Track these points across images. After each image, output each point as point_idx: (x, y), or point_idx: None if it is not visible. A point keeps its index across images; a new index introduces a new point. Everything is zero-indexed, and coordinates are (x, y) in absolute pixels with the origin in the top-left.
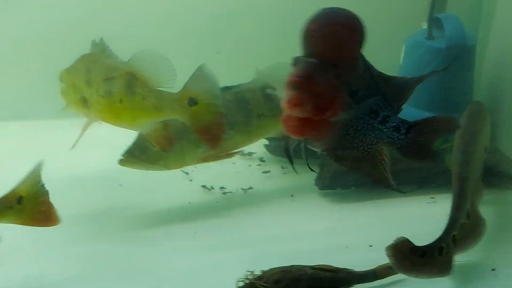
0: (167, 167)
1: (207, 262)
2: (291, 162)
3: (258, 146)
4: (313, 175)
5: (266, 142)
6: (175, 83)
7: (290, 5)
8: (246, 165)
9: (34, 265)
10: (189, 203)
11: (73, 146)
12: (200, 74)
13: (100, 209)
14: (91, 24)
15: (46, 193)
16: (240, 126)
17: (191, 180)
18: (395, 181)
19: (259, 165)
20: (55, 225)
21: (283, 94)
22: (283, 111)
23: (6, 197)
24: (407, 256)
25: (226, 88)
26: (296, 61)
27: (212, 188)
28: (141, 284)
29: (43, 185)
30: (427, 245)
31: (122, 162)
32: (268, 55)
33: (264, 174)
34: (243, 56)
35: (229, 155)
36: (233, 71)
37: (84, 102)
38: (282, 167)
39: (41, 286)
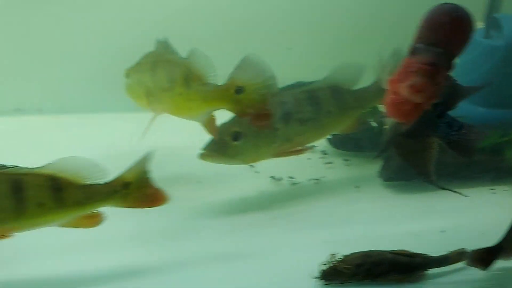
0: (244, 161)
1: (286, 246)
2: (385, 149)
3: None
4: (375, 168)
5: (329, 135)
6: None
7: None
8: (306, 158)
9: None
10: (261, 192)
11: (142, 138)
12: (244, 64)
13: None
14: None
15: (148, 178)
16: (311, 122)
17: (257, 172)
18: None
19: (321, 157)
20: (163, 204)
21: (396, 80)
22: (392, 96)
23: (112, 182)
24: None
25: (299, 85)
26: (417, 49)
27: (281, 179)
28: (231, 268)
29: (148, 173)
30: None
31: (202, 156)
32: (341, 53)
33: (327, 165)
34: (315, 53)
35: (300, 152)
36: (304, 67)
37: (149, 97)
38: (345, 160)
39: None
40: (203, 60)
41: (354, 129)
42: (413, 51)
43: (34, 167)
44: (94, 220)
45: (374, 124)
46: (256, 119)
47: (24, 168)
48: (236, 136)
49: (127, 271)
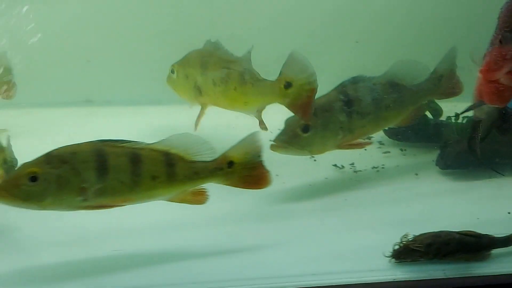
0: (312, 152)
1: (357, 227)
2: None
3: None
4: (431, 157)
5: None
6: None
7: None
8: (364, 148)
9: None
10: (326, 178)
11: (195, 129)
12: (291, 60)
13: None
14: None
15: (260, 161)
16: (371, 116)
17: (315, 160)
18: None
19: (378, 147)
20: (265, 187)
21: (490, 69)
22: (490, 84)
23: (218, 160)
24: None
25: (361, 79)
26: (506, 38)
27: (343, 166)
28: (310, 247)
29: (259, 155)
30: None
31: (273, 147)
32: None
33: (385, 155)
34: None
35: (362, 145)
36: (369, 62)
37: (197, 91)
38: (401, 150)
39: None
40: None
41: (409, 122)
42: (503, 40)
43: (150, 142)
44: (200, 197)
45: (429, 116)
46: (301, 111)
47: (141, 143)
48: (306, 128)
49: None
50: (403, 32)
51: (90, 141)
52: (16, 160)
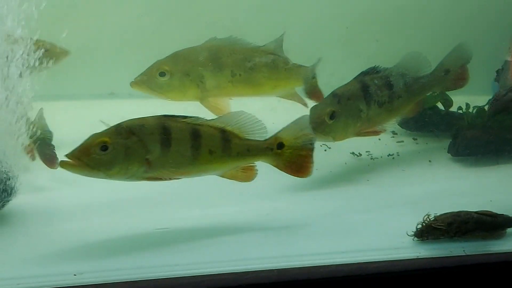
0: (335, 138)
1: (380, 208)
2: None
3: None
4: (442, 145)
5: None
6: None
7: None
8: (377, 138)
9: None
10: (345, 163)
11: None
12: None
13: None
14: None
15: (310, 149)
16: (386, 105)
17: (329, 148)
18: None
19: (392, 137)
20: (306, 177)
21: None
22: None
23: (269, 140)
24: None
25: (376, 71)
26: None
27: (360, 154)
28: (338, 223)
29: (311, 143)
30: None
31: None
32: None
33: (398, 144)
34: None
35: (377, 133)
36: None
37: (201, 85)
38: (413, 139)
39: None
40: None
41: (415, 112)
42: None
43: (208, 119)
44: (250, 173)
45: (440, 107)
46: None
47: (201, 118)
48: (332, 115)
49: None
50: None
51: (156, 115)
52: (51, 133)
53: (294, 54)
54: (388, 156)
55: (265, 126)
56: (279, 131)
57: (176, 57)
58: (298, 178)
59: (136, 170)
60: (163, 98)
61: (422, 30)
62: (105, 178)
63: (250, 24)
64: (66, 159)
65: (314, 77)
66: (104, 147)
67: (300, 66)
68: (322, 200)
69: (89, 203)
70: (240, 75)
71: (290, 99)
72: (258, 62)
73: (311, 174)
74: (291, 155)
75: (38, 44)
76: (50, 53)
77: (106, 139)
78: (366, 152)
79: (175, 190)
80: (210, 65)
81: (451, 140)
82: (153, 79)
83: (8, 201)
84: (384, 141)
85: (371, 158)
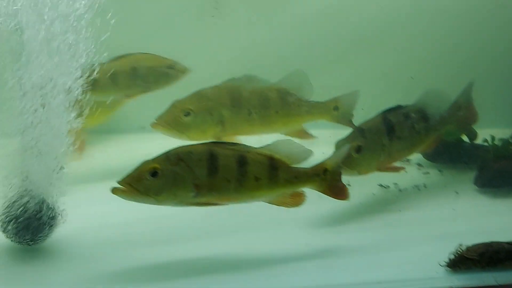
0: (360, 172)
1: (410, 239)
2: None
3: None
4: (468, 177)
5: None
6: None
7: None
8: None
9: None
10: (373, 194)
11: None
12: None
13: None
14: None
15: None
16: (407, 141)
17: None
18: None
19: (418, 169)
20: (346, 200)
21: None
22: None
23: (316, 167)
24: None
25: (399, 108)
26: None
27: (388, 186)
28: (371, 259)
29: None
30: None
31: None
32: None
33: (425, 175)
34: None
35: (398, 169)
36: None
37: (221, 124)
38: (439, 171)
39: None
40: (298, 81)
41: (432, 148)
42: None
43: (256, 146)
44: (298, 199)
45: (465, 140)
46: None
47: (248, 146)
48: (358, 149)
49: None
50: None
51: (204, 142)
52: None
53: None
54: (415, 187)
55: (312, 153)
56: (325, 159)
57: (199, 97)
58: (338, 201)
59: (184, 196)
60: (183, 138)
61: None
62: (154, 204)
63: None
64: (118, 185)
65: (336, 109)
66: (154, 173)
67: (314, 102)
68: (356, 231)
69: (131, 232)
70: (256, 113)
71: (297, 136)
72: (271, 100)
73: (348, 198)
74: (332, 180)
75: (162, 61)
76: (173, 69)
77: (156, 165)
78: (394, 184)
79: (214, 218)
80: (230, 104)
81: (476, 172)
82: (177, 119)
83: (54, 230)
84: (410, 173)
85: (399, 190)
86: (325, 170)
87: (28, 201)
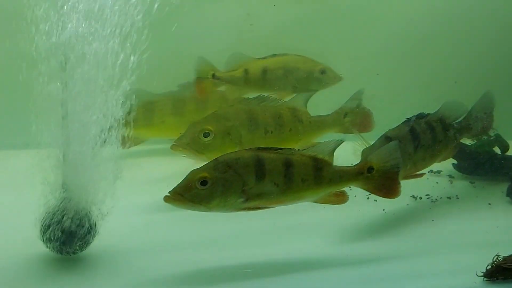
0: None
1: (447, 248)
2: None
3: (444, 165)
4: (500, 188)
5: (454, 161)
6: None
7: None
8: (435, 182)
9: None
10: (407, 205)
11: None
12: (353, 98)
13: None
14: None
15: (397, 172)
16: (430, 149)
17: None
18: None
19: (449, 181)
20: (395, 197)
21: None
22: None
23: (360, 165)
24: None
25: (422, 116)
26: None
27: (420, 197)
28: (408, 266)
29: (397, 166)
30: None
31: None
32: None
33: (456, 187)
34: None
35: (420, 176)
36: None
37: (239, 144)
38: (471, 182)
39: None
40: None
41: (450, 157)
42: None
43: (300, 149)
44: (341, 198)
45: (497, 151)
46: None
47: (292, 149)
48: None
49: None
50: None
51: (250, 148)
52: None
53: None
54: (447, 198)
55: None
56: (369, 156)
57: (217, 117)
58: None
59: (234, 202)
60: (202, 159)
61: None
62: (205, 211)
63: None
64: (169, 195)
65: (346, 115)
66: (204, 182)
67: (323, 116)
68: (391, 242)
69: (167, 240)
70: (271, 132)
71: None
72: (284, 118)
73: (399, 195)
74: (380, 178)
75: (316, 65)
76: (325, 75)
77: (206, 174)
78: (426, 195)
79: (246, 227)
80: (248, 124)
81: (509, 183)
82: (197, 140)
83: (91, 242)
84: (442, 184)
85: (432, 201)
86: (371, 168)
87: (68, 212)
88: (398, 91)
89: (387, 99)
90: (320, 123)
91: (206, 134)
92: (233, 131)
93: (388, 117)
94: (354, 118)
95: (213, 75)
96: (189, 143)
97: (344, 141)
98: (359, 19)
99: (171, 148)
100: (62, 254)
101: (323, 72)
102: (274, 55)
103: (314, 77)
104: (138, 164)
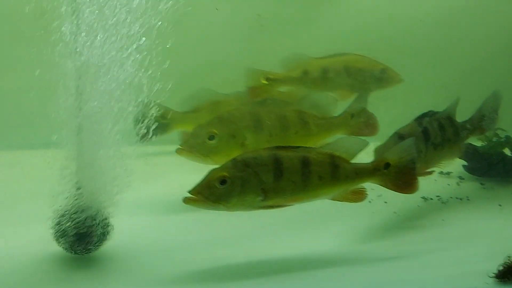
0: None
1: (456, 249)
2: None
3: (454, 167)
4: (510, 190)
5: (464, 163)
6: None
7: None
8: (445, 183)
9: None
10: (418, 206)
11: None
12: (358, 99)
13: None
14: None
15: (413, 167)
16: (439, 147)
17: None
18: None
19: (459, 182)
20: (412, 193)
21: None
22: None
23: (376, 162)
24: None
25: (432, 114)
26: None
27: (431, 199)
28: (420, 261)
29: (413, 162)
30: None
31: None
32: None
33: (466, 188)
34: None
35: (429, 173)
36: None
37: (243, 147)
38: (481, 184)
39: None
40: (315, 101)
41: (457, 156)
42: None
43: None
44: (359, 195)
45: (508, 152)
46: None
47: (309, 147)
48: None
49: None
50: None
51: (268, 147)
52: None
53: None
54: (458, 199)
55: (368, 143)
56: (385, 153)
57: (221, 120)
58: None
59: (253, 200)
60: (208, 162)
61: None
62: (224, 210)
63: None
64: (189, 195)
65: (353, 116)
66: (223, 181)
67: (330, 117)
68: (402, 243)
69: (179, 239)
70: (276, 135)
71: None
72: (290, 121)
73: (417, 190)
74: (397, 174)
75: (376, 65)
76: (385, 75)
77: (225, 173)
78: (436, 196)
79: (258, 226)
80: (252, 126)
81: None
82: (202, 143)
83: (104, 242)
84: (452, 186)
85: (442, 202)
86: (387, 164)
87: (82, 212)
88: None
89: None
90: (327, 125)
91: (211, 137)
92: (238, 134)
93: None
94: (361, 119)
95: (268, 79)
96: (194, 147)
97: (369, 143)
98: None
99: (177, 152)
100: (75, 253)
101: (383, 72)
102: (334, 55)
103: (375, 77)
104: (150, 163)
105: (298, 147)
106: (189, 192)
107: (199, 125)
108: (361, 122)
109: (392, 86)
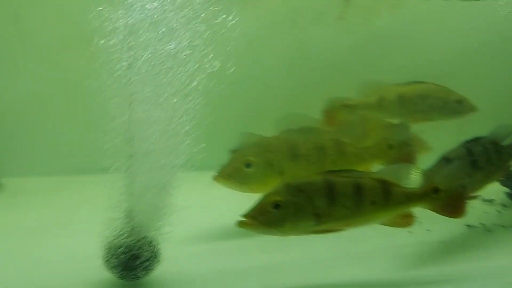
0: None
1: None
2: None
3: (497, 194)
4: None
5: (507, 190)
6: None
7: None
8: (488, 210)
9: None
10: (462, 233)
11: None
12: (400, 130)
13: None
14: None
15: (463, 192)
16: (485, 171)
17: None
18: None
19: (503, 209)
20: (461, 217)
21: None
22: None
23: (426, 187)
24: None
25: (478, 139)
26: None
27: (475, 226)
28: None
29: (462, 184)
30: None
31: None
32: None
33: (510, 216)
34: None
35: (476, 197)
36: None
37: (280, 175)
38: None
39: None
40: (352, 129)
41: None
42: None
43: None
44: (409, 219)
45: None
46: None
47: (361, 172)
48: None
49: None
50: None
51: (321, 172)
52: None
53: None
54: (502, 227)
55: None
56: (434, 178)
57: (258, 147)
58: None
59: (305, 225)
60: (244, 190)
61: None
62: (277, 235)
63: None
64: (243, 219)
65: (391, 148)
66: (277, 206)
67: (370, 148)
68: (448, 270)
69: (229, 267)
70: (313, 163)
71: None
72: (327, 149)
73: (464, 215)
74: (447, 198)
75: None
76: (461, 105)
77: (279, 198)
78: (480, 224)
79: (305, 252)
80: (289, 155)
81: None
82: (239, 170)
83: (153, 268)
84: (495, 213)
85: (486, 230)
86: (436, 189)
87: (131, 239)
88: None
89: None
90: (365, 155)
91: (248, 165)
92: (275, 162)
93: None
94: (400, 151)
95: (345, 105)
96: (231, 174)
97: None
98: None
99: (214, 179)
100: (125, 279)
101: (459, 102)
102: (410, 82)
103: (450, 107)
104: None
105: (350, 170)
106: (243, 216)
107: (236, 152)
108: (399, 155)
109: (468, 116)
